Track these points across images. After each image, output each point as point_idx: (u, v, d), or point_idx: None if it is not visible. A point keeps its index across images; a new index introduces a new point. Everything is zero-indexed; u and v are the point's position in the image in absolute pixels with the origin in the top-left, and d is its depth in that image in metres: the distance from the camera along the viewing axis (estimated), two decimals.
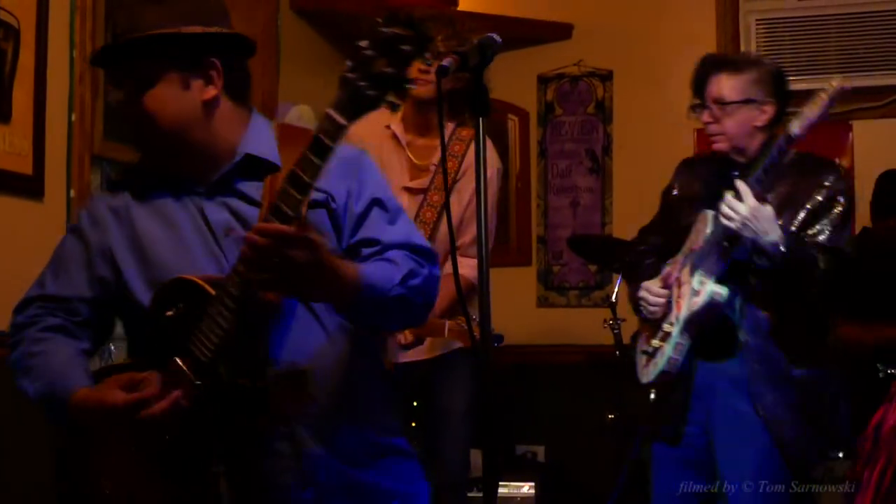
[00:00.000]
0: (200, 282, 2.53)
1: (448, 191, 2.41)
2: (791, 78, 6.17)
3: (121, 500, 2.67)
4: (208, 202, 2.69)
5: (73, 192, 4.38)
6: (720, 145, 3.94)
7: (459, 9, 6.53)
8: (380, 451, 2.74)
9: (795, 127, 3.61)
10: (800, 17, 6.38)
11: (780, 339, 3.83)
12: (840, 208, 3.86)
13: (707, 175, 4.06)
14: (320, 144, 2.32)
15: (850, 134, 6.27)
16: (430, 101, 4.38)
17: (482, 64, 2.22)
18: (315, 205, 2.61)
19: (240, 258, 2.41)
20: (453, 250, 2.40)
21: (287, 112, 5.76)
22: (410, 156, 4.46)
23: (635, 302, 4.07)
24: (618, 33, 6.64)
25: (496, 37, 2.23)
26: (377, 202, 2.70)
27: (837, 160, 6.17)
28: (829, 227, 3.83)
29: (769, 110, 3.91)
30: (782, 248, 3.68)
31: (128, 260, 2.72)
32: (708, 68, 4.00)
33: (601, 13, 6.71)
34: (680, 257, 3.95)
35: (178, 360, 2.54)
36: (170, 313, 2.58)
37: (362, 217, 2.68)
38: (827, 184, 3.87)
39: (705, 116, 3.95)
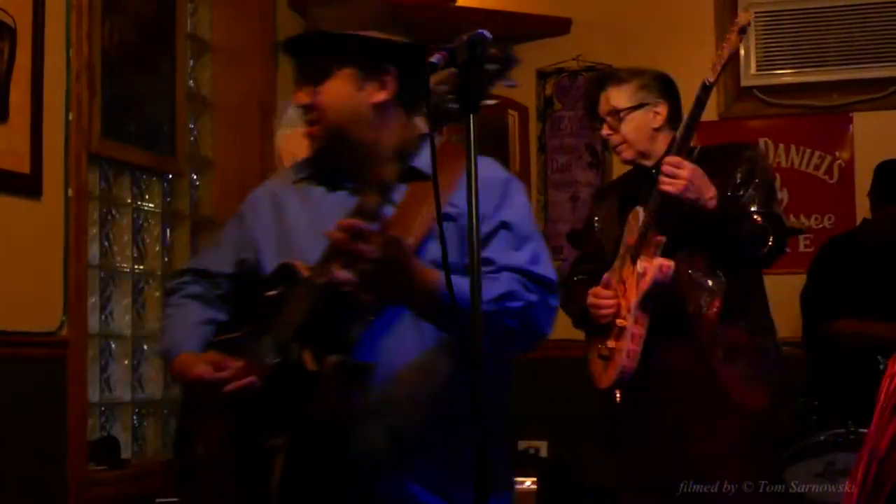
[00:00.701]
0: (298, 266, 2.65)
1: (437, 189, 2.43)
2: (791, 70, 6.25)
3: (207, 463, 2.81)
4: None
5: (70, 191, 4.38)
6: (625, 154, 4.07)
7: (459, 4, 6.52)
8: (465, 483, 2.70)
9: (710, 74, 3.73)
10: (799, 10, 6.36)
11: (730, 306, 3.85)
12: (763, 177, 3.96)
13: (622, 191, 4.14)
14: (402, 150, 2.52)
15: (851, 126, 6.26)
16: None
17: (471, 60, 2.20)
18: (446, 218, 2.62)
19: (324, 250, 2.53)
20: (443, 249, 2.38)
21: (286, 109, 5.76)
22: None
23: (579, 316, 4.09)
24: (616, 27, 6.62)
25: (486, 33, 2.21)
26: (505, 225, 2.74)
27: (837, 152, 6.25)
28: (756, 195, 3.90)
29: (662, 110, 4.04)
30: (719, 199, 3.73)
31: (269, 246, 2.85)
32: (594, 88, 4.16)
33: (599, 7, 6.69)
34: (617, 262, 3.98)
35: (266, 338, 2.66)
36: (270, 293, 2.71)
37: (487, 238, 2.71)
38: (745, 159, 3.97)
39: (604, 130, 4.08)
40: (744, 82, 6.36)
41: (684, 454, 3.90)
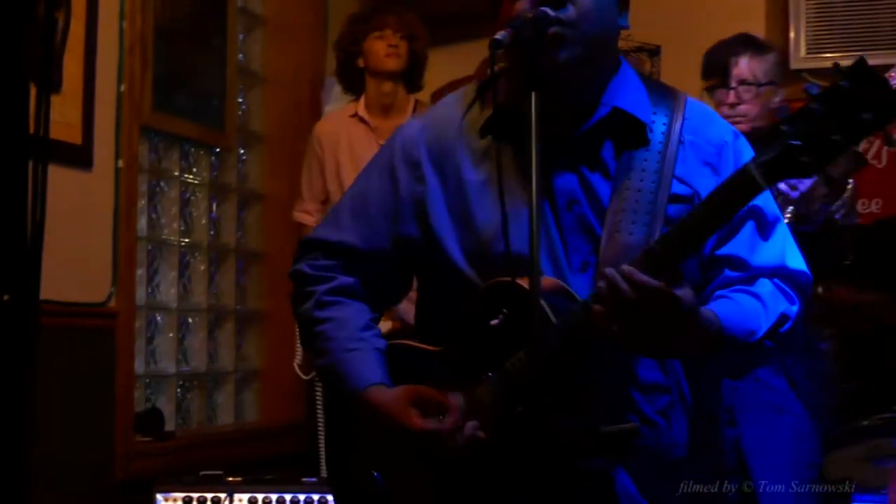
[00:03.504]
0: (544, 294, 2.07)
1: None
2: (843, 53, 6.19)
3: (389, 492, 2.39)
4: (557, 159, 2.26)
5: (121, 163, 4.39)
6: (743, 126, 3.97)
7: None
8: None
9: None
10: None
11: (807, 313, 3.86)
12: (850, 188, 3.90)
13: None
14: (726, 198, 2.00)
15: None
16: (394, 76, 4.87)
17: (536, 37, 2.17)
18: (677, 199, 2.23)
19: (595, 294, 2.06)
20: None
21: (334, 85, 5.76)
22: (379, 140, 4.73)
23: None
24: (665, 7, 6.57)
25: (550, 11, 2.19)
26: (753, 211, 2.26)
27: None
28: (843, 209, 3.88)
29: (782, 92, 3.96)
30: (821, 218, 3.71)
31: (445, 224, 2.32)
32: (735, 48, 4.01)
33: None
34: None
35: (493, 381, 2.23)
36: (494, 322, 2.20)
37: (734, 226, 2.25)
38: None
39: (731, 97, 3.96)
40: (793, 65, 6.29)
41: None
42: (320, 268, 2.46)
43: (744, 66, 3.94)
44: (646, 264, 2.01)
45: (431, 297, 2.47)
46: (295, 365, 5.11)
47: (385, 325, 4.46)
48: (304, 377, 5.10)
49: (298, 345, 5.05)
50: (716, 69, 4.01)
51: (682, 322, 2.02)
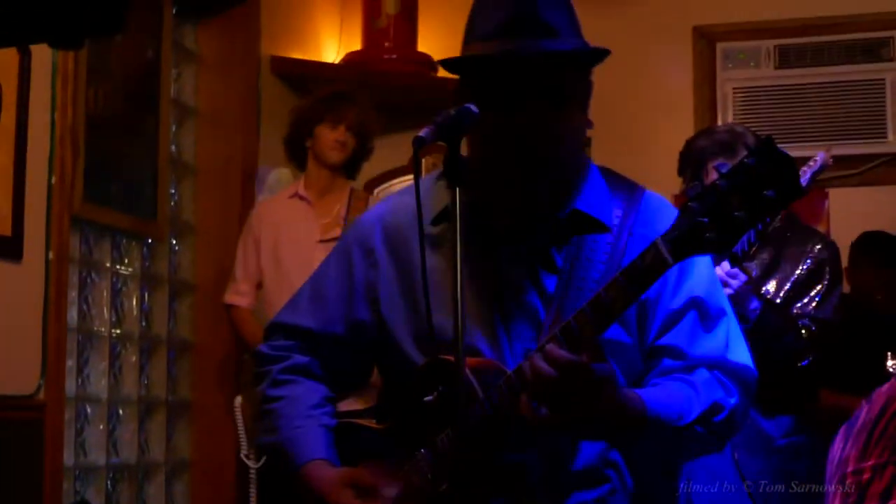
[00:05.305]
0: (469, 370, 2.14)
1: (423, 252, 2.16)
2: None
3: None
4: (508, 249, 2.34)
5: (51, 255, 4.37)
6: None
7: (439, 75, 6.55)
8: None
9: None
10: (777, 86, 6.41)
11: (763, 408, 3.83)
12: (826, 279, 3.89)
13: None
14: (636, 274, 2.01)
15: (827, 202, 6.31)
16: (335, 167, 5.10)
17: (459, 133, 2.19)
18: None
19: (517, 371, 2.10)
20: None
21: (267, 175, 5.78)
22: (318, 217, 5.03)
23: None
24: (595, 99, 6.63)
25: (473, 107, 2.21)
26: (696, 303, 2.28)
27: (813, 227, 6.28)
28: (816, 298, 3.85)
29: None
30: (754, 317, 3.69)
31: (395, 308, 2.40)
32: (712, 152, 3.95)
33: None
34: None
35: (423, 456, 2.27)
36: (429, 399, 2.26)
37: (676, 317, 2.28)
38: (813, 253, 3.91)
39: None
40: None
41: None
42: (278, 348, 2.53)
43: (711, 171, 3.88)
44: (563, 340, 2.04)
45: (386, 379, 2.52)
46: (242, 456, 5.05)
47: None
48: (252, 466, 5.01)
49: (242, 436, 4.98)
50: (691, 167, 4.02)
51: (601, 394, 2.03)
